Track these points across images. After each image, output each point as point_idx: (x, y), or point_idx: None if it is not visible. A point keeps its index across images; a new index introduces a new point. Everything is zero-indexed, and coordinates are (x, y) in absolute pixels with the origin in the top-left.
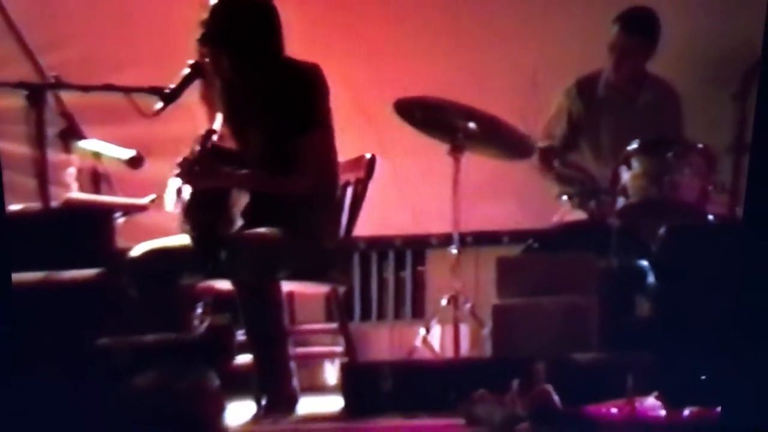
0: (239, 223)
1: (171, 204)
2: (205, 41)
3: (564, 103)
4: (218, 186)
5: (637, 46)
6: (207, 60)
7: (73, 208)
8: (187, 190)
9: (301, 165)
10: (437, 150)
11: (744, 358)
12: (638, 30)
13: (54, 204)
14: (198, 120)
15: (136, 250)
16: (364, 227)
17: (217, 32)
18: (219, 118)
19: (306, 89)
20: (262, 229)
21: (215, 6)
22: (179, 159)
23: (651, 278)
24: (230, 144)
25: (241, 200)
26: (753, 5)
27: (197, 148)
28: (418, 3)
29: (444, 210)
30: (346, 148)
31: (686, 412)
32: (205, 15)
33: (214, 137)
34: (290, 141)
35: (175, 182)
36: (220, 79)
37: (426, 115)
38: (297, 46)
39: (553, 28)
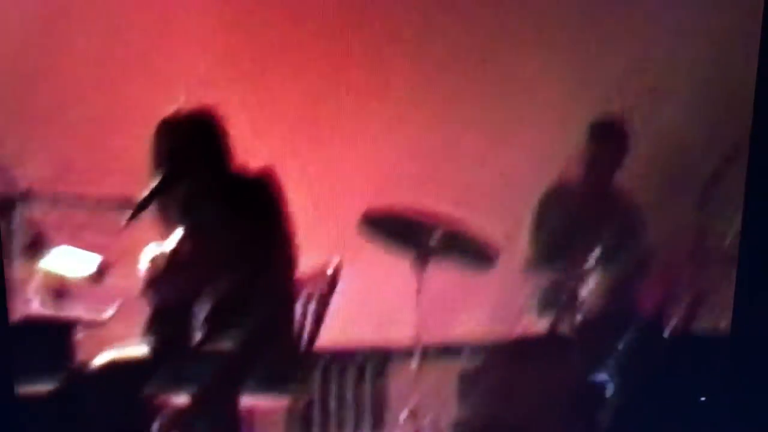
0: (200, 334)
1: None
2: (157, 163)
3: (542, 210)
4: (181, 297)
5: (606, 155)
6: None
7: (33, 322)
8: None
9: (259, 268)
10: (401, 260)
11: None
12: (608, 140)
13: (15, 318)
14: (157, 232)
15: (97, 360)
16: (325, 338)
17: (169, 153)
18: (178, 231)
19: (261, 194)
20: (222, 343)
21: (165, 130)
22: (145, 275)
23: (611, 390)
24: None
25: (204, 309)
26: (717, 120)
27: (161, 263)
28: (383, 111)
29: (407, 320)
30: (309, 257)
31: None
32: (156, 139)
33: (176, 244)
34: (248, 245)
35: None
36: (180, 193)
37: (390, 228)
38: (263, 155)
39: (522, 138)
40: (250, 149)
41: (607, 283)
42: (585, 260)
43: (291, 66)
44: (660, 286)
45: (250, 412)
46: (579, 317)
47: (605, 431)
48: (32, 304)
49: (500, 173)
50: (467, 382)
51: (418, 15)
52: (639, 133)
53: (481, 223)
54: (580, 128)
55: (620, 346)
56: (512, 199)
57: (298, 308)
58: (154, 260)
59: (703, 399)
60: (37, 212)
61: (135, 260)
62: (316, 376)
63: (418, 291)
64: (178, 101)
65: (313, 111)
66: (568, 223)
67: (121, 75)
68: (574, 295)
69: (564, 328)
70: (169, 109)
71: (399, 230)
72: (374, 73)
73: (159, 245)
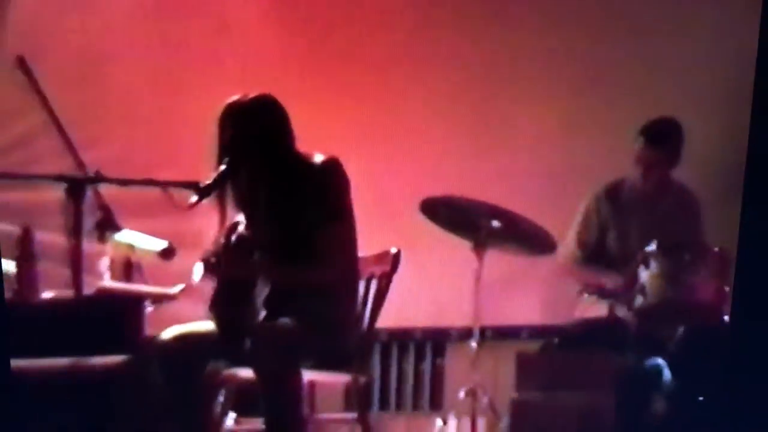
0: (262, 312)
1: (198, 276)
2: (223, 148)
3: (593, 208)
4: (243, 277)
5: (662, 157)
6: (229, 162)
7: (105, 296)
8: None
9: (321, 256)
10: (460, 245)
11: None
12: (662, 142)
13: (87, 292)
14: (220, 215)
15: (164, 334)
16: (385, 319)
17: (234, 138)
18: (241, 214)
19: (325, 182)
20: (285, 320)
21: (229, 115)
22: (204, 253)
23: (667, 376)
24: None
25: (265, 290)
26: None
27: (223, 241)
28: (442, 102)
29: (465, 304)
30: (371, 243)
31: None
32: (221, 124)
33: (239, 229)
34: (311, 233)
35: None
36: (243, 177)
37: (450, 214)
38: (324, 143)
39: (578, 133)
40: (314, 139)
41: (665, 269)
42: (643, 250)
43: (354, 62)
44: (717, 275)
45: (311, 388)
46: (638, 302)
47: (661, 415)
48: (104, 278)
49: (557, 166)
50: (525, 364)
51: (469, 23)
52: (699, 131)
53: (539, 212)
54: (633, 126)
55: (678, 332)
56: (569, 190)
57: (360, 288)
58: (217, 243)
59: (701, 399)
60: (106, 194)
61: (200, 243)
62: (377, 354)
63: (477, 275)
64: (240, 89)
65: (377, 103)
66: (628, 218)
67: (187, 64)
68: (634, 280)
69: (622, 314)
70: (232, 97)
71: (458, 217)
72: (432, 69)
73: (222, 229)
